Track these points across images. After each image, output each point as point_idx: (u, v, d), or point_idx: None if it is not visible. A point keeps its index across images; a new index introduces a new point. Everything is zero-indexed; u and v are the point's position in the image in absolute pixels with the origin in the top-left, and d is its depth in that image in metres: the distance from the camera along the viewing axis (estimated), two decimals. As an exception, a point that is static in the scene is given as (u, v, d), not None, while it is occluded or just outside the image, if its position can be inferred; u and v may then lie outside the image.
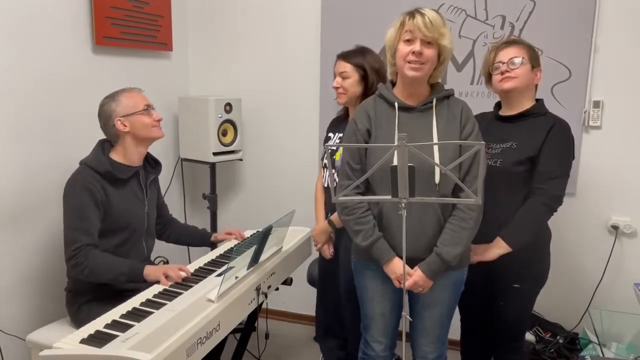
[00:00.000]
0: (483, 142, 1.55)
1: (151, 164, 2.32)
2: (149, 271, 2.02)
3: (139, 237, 2.22)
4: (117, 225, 2.11)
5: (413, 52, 1.75)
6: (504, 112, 2.13)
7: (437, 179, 1.78)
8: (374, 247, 1.85)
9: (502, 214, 2.02)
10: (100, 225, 2.06)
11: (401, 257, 1.73)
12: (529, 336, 2.75)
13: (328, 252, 2.41)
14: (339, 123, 2.43)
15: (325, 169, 2.42)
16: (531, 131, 2.03)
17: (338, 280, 2.40)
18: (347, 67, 2.28)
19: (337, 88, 2.31)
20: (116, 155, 2.16)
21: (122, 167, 2.14)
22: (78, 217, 2.01)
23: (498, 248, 2.00)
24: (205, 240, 2.53)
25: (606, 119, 2.67)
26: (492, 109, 2.21)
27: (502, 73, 2.04)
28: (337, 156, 2.27)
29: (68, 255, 2.00)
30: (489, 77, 2.15)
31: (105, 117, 2.14)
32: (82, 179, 2.05)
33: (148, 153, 2.28)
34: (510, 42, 2.09)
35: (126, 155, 2.17)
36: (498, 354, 2.29)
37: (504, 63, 2.04)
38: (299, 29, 3.13)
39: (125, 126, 2.12)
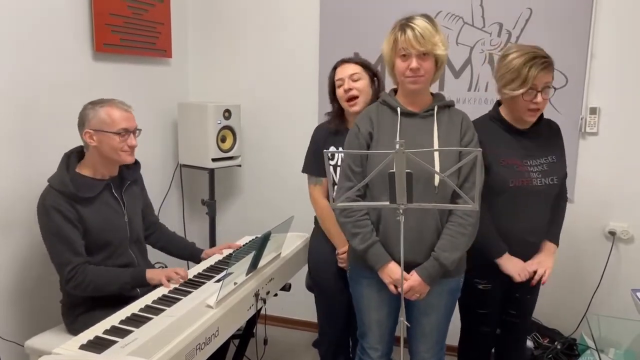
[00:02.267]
0: (480, 149, 1.56)
1: (128, 166, 2.19)
2: (152, 275, 2.03)
3: (124, 248, 2.15)
4: (97, 242, 2.05)
5: (411, 69, 1.77)
6: (521, 126, 2.03)
7: (436, 183, 1.79)
8: (370, 251, 1.85)
9: (545, 224, 2.09)
10: (83, 242, 2.01)
11: (399, 262, 1.74)
12: (528, 342, 2.75)
13: None
14: (338, 135, 2.26)
15: (334, 187, 2.27)
16: (553, 141, 2.09)
17: (347, 293, 2.31)
18: (357, 68, 2.18)
19: (348, 91, 2.15)
20: (85, 168, 2.07)
21: (88, 184, 2.04)
22: (60, 240, 1.96)
23: (553, 254, 2.10)
24: (195, 255, 2.42)
25: (603, 126, 2.69)
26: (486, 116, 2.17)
27: (536, 103, 1.89)
28: None
29: (65, 278, 1.97)
30: (505, 85, 1.92)
31: (79, 123, 2.05)
32: (50, 201, 1.96)
33: None
34: (549, 66, 1.90)
35: (94, 168, 2.07)
36: (509, 352, 2.31)
37: (538, 91, 1.88)
38: (298, 36, 3.14)
39: (93, 140, 2.02)
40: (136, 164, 2.24)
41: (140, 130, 2.14)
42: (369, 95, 2.18)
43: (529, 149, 2.03)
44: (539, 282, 2.11)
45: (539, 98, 1.89)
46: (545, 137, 2.09)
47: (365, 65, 2.22)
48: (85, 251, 2.02)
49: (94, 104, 2.06)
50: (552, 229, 2.12)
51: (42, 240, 2.34)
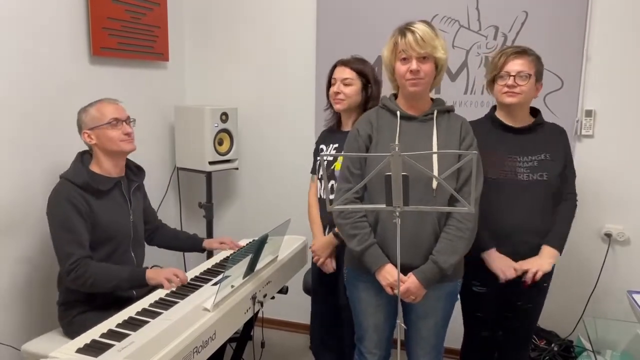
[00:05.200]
0: (476, 152, 1.57)
1: (134, 171, 2.30)
2: (151, 275, 2.03)
3: (126, 247, 2.20)
4: (102, 237, 2.09)
5: (411, 71, 1.78)
6: (512, 123, 2.10)
7: (434, 185, 1.79)
8: (367, 252, 1.86)
9: (545, 224, 2.07)
10: (89, 236, 2.04)
11: (396, 265, 1.74)
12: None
13: (331, 266, 2.31)
14: (331, 134, 2.39)
15: (320, 181, 2.38)
16: (552, 141, 2.09)
17: (335, 291, 2.35)
18: (350, 73, 2.24)
19: (337, 94, 2.25)
20: (95, 167, 2.14)
21: (101, 179, 2.11)
22: (67, 231, 1.99)
23: (551, 257, 2.05)
24: (196, 245, 2.50)
25: (598, 128, 2.70)
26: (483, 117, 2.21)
27: (508, 86, 2.02)
28: (337, 166, 2.22)
29: (66, 269, 1.97)
30: (492, 82, 2.11)
31: (78, 128, 2.15)
32: (63, 192, 2.03)
33: (129, 160, 2.26)
34: (521, 52, 2.03)
35: (102, 166, 2.14)
36: (510, 357, 2.31)
37: (511, 75, 2.01)
38: (294, 38, 3.15)
39: (92, 139, 2.10)
40: (141, 170, 2.33)
41: (134, 120, 2.21)
42: (356, 101, 2.26)
43: (521, 145, 2.07)
44: (542, 291, 2.11)
45: (511, 81, 2.00)
46: (544, 136, 2.10)
47: (360, 72, 2.26)
48: (89, 246, 2.04)
49: (84, 107, 2.15)
50: (554, 234, 2.07)
51: (39, 244, 2.34)
